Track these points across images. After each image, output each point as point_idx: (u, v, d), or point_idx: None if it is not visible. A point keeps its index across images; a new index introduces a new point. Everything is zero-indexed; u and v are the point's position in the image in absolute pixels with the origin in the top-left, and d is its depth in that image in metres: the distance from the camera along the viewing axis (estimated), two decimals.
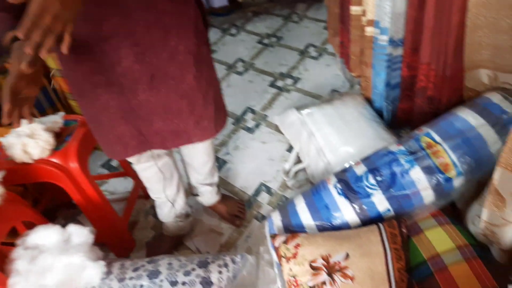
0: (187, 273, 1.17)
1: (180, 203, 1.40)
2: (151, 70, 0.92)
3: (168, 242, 1.49)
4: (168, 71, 0.94)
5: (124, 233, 1.50)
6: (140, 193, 1.66)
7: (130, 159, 1.19)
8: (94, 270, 1.10)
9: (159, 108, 0.99)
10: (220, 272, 1.22)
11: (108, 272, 1.14)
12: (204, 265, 1.22)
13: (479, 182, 1.15)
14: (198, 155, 1.33)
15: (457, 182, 1.11)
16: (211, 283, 1.18)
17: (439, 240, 1.10)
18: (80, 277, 1.09)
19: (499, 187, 0.91)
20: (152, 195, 1.36)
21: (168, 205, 1.37)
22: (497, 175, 0.89)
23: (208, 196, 1.50)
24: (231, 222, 1.56)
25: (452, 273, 1.03)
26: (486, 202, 0.97)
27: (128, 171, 1.65)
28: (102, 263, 1.13)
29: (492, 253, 1.09)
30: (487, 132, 1.13)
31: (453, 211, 1.23)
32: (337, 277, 1.03)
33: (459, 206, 1.24)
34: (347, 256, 1.06)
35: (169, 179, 1.31)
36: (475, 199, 1.13)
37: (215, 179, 1.47)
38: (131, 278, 1.14)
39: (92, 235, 1.14)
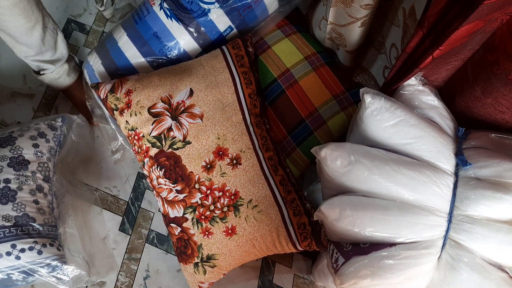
0: None
1: None
2: None
3: None
4: None
5: None
6: None
7: None
8: None
9: None
10: (36, 146, 0.93)
11: None
12: (8, 142, 0.91)
13: None
14: (6, 17, 0.83)
15: None
16: (26, 162, 0.90)
17: (287, 53, 0.99)
18: None
19: None
20: None
21: None
22: None
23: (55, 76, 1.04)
24: None
25: (302, 85, 0.97)
26: (332, 0, 0.85)
27: None
28: None
29: (338, 58, 1.04)
30: None
31: (298, 18, 1.11)
32: (184, 119, 0.86)
33: (303, 11, 1.11)
34: (191, 92, 0.88)
35: None
36: (319, 1, 1.00)
37: (62, 52, 1.00)
38: None
39: None
